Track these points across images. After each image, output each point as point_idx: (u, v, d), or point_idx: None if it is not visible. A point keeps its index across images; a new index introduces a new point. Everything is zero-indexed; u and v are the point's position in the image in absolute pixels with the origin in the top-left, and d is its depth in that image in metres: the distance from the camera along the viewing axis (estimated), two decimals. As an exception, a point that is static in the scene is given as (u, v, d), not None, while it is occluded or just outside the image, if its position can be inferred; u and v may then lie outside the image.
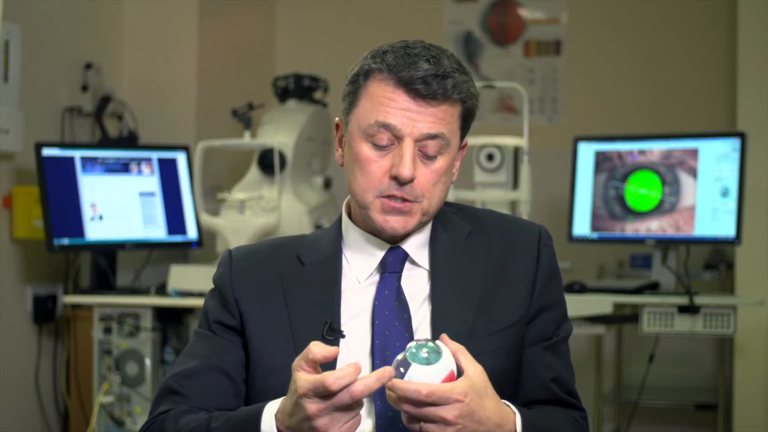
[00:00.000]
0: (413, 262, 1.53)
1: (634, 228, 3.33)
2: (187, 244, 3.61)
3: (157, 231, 3.51)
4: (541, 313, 1.52)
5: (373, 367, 1.44)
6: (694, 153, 3.27)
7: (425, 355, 1.29)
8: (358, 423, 1.29)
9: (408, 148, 1.42)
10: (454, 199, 3.26)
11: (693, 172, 3.26)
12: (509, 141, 3.36)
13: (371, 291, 1.51)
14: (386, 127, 1.43)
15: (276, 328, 1.49)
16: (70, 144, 3.59)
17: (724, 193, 3.20)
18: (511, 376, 1.49)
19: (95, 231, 3.36)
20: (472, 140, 3.33)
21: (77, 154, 3.36)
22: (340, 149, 1.53)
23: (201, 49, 4.13)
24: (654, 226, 3.30)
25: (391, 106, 1.43)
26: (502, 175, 3.34)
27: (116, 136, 3.85)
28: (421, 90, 1.42)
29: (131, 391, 3.25)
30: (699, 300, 3.07)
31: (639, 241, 3.34)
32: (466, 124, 1.50)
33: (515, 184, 3.36)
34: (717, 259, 4.03)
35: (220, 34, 4.30)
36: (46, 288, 3.55)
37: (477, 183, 3.36)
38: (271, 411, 1.34)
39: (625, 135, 3.51)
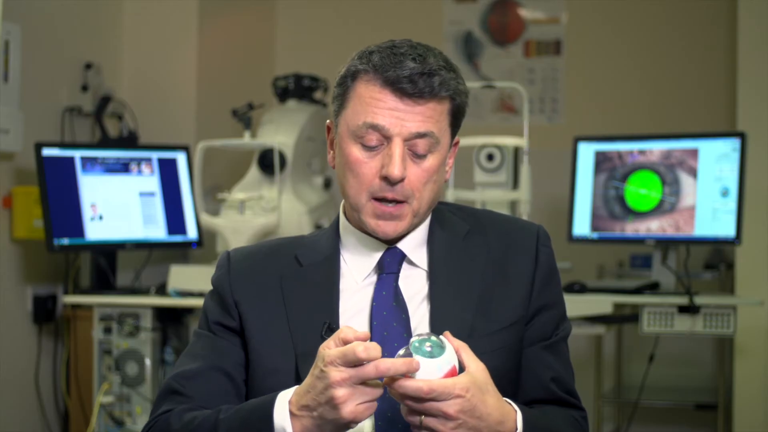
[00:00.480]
0: (411, 263, 1.53)
1: (634, 228, 3.33)
2: (187, 244, 3.62)
3: (157, 231, 3.51)
4: (540, 313, 1.52)
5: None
6: (694, 153, 3.27)
7: (428, 348, 1.29)
8: (374, 409, 1.29)
9: (397, 147, 1.43)
10: (454, 199, 3.26)
11: (693, 172, 3.26)
12: (509, 141, 3.36)
13: (369, 291, 1.51)
14: (374, 127, 1.43)
15: (275, 329, 1.49)
16: (70, 144, 3.59)
17: (724, 193, 3.20)
18: (511, 375, 1.49)
19: (95, 231, 3.36)
20: (472, 140, 3.33)
21: (77, 154, 3.37)
22: (332, 151, 1.54)
23: (201, 49, 4.13)
24: (654, 226, 3.30)
25: (379, 106, 1.43)
26: (502, 175, 3.34)
27: (116, 136, 3.85)
28: (408, 89, 1.42)
29: (131, 391, 3.25)
30: (699, 300, 3.07)
31: (639, 241, 3.34)
32: (455, 121, 1.50)
33: (515, 184, 3.36)
34: (717, 259, 4.03)
35: (220, 34, 4.31)
36: (46, 288, 3.55)
37: (477, 183, 3.36)
38: (284, 397, 1.34)
39: (625, 135, 3.51)
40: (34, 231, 3.37)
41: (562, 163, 3.66)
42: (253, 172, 3.56)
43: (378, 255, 1.52)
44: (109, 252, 3.51)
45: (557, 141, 4.17)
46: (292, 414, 1.32)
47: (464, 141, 3.23)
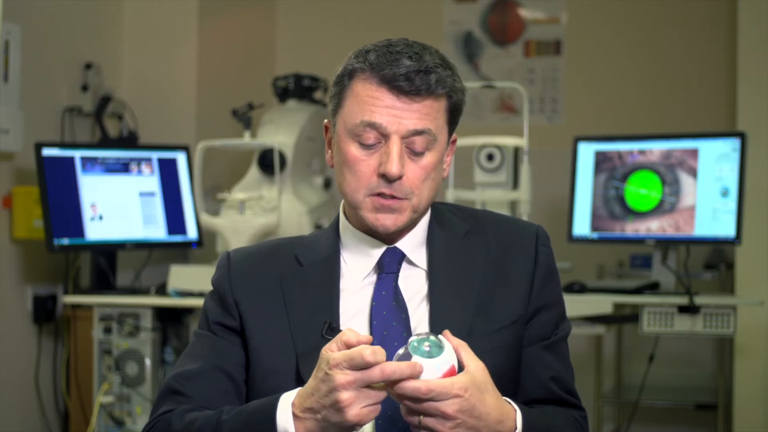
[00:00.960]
0: (410, 262, 1.53)
1: (634, 228, 3.33)
2: (187, 244, 3.62)
3: (157, 231, 3.51)
4: (540, 313, 1.52)
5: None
6: (694, 153, 3.27)
7: (427, 348, 1.30)
8: (378, 411, 1.30)
9: (395, 145, 1.43)
10: (454, 199, 3.26)
11: (693, 172, 3.26)
12: (509, 141, 3.36)
13: (369, 291, 1.51)
14: (372, 126, 1.44)
15: (275, 329, 1.49)
16: (70, 144, 3.59)
17: (724, 193, 3.20)
18: (510, 375, 1.49)
19: (95, 231, 3.36)
20: (472, 140, 3.33)
21: (77, 154, 3.37)
22: (329, 151, 1.54)
23: (201, 49, 4.13)
24: (654, 226, 3.30)
25: (376, 104, 1.43)
26: (502, 175, 3.34)
27: (116, 136, 3.85)
28: (405, 86, 1.42)
29: (131, 391, 3.25)
30: (699, 300, 3.07)
31: (639, 241, 3.34)
32: (453, 118, 1.50)
33: (515, 184, 3.36)
34: (717, 259, 4.03)
35: (220, 34, 4.31)
36: (46, 288, 3.55)
37: (477, 183, 3.36)
38: (287, 399, 1.34)
39: (625, 135, 3.51)
40: (34, 231, 3.37)
41: (562, 163, 3.66)
42: (253, 172, 3.56)
43: (378, 255, 1.52)
44: (109, 252, 3.51)
45: (557, 141, 4.17)
46: (295, 416, 1.32)
47: (464, 141, 3.24)
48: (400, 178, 1.44)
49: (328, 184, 3.80)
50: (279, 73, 4.16)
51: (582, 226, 3.41)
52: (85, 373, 3.40)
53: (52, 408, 3.58)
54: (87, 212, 3.35)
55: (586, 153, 3.43)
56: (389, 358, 1.33)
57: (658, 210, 3.30)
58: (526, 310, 1.51)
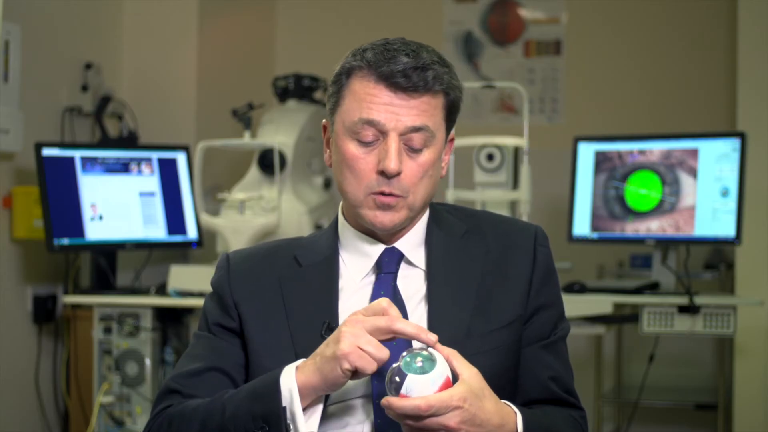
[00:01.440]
0: (409, 262, 1.53)
1: (634, 228, 3.33)
2: (187, 244, 3.62)
3: (157, 231, 3.51)
4: (539, 313, 1.52)
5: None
6: (694, 153, 3.27)
7: (419, 364, 1.30)
8: (372, 368, 1.32)
9: (393, 142, 1.43)
10: (454, 199, 3.26)
11: (693, 172, 3.26)
12: (509, 141, 3.36)
13: (368, 291, 1.51)
14: (370, 123, 1.44)
15: (275, 330, 1.49)
16: (70, 144, 3.60)
17: (724, 193, 3.20)
18: (510, 374, 1.49)
19: (95, 231, 3.36)
20: (472, 140, 3.33)
21: (77, 154, 3.37)
22: (328, 150, 1.55)
23: (201, 49, 4.13)
24: (654, 226, 3.30)
25: (374, 101, 1.44)
26: (502, 175, 3.34)
27: (116, 136, 3.85)
28: (402, 83, 1.43)
29: (131, 391, 3.25)
30: (699, 300, 3.07)
31: (639, 241, 3.34)
32: (450, 116, 1.51)
33: (515, 184, 3.36)
34: (717, 259, 4.03)
35: (220, 34, 4.31)
36: (46, 288, 3.55)
37: (477, 183, 3.36)
38: (294, 364, 1.38)
39: (625, 135, 3.51)
40: (34, 231, 3.37)
41: (562, 163, 3.66)
42: (253, 172, 3.56)
43: (376, 255, 1.52)
44: (109, 252, 3.51)
45: (557, 141, 4.17)
46: (297, 369, 1.36)
47: (464, 141, 3.24)
48: (398, 174, 1.44)
49: (328, 184, 3.80)
50: (279, 73, 4.16)
51: (582, 226, 3.41)
52: (85, 373, 3.40)
53: (52, 408, 3.58)
54: (87, 212, 3.35)
55: (586, 153, 3.43)
56: (388, 360, 1.34)
57: (658, 210, 3.30)
58: (524, 310, 1.51)
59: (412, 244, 1.54)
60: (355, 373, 1.33)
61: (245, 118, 3.49)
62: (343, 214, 1.57)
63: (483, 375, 1.36)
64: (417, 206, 1.49)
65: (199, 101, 4.12)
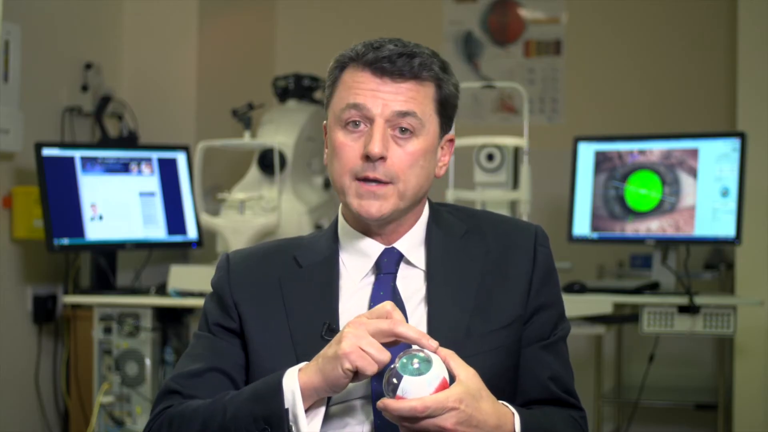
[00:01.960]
0: (408, 263, 1.53)
1: (634, 228, 3.33)
2: (187, 244, 3.62)
3: (157, 231, 3.51)
4: (538, 313, 1.52)
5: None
6: (694, 153, 3.27)
7: (416, 365, 1.30)
8: (373, 369, 1.32)
9: (378, 126, 1.44)
10: (454, 199, 3.26)
11: (693, 172, 3.26)
12: (509, 141, 3.36)
13: (367, 292, 1.51)
14: (356, 107, 1.45)
15: (275, 330, 1.49)
16: (70, 144, 3.60)
17: (724, 193, 3.20)
18: (509, 375, 1.49)
19: (95, 231, 3.36)
20: (472, 140, 3.33)
21: (77, 154, 3.37)
22: (326, 150, 1.55)
23: (201, 49, 4.13)
24: (654, 226, 3.30)
25: (360, 87, 1.46)
26: (502, 175, 3.34)
27: (116, 136, 3.85)
28: (387, 67, 1.45)
29: (131, 391, 3.25)
30: (699, 300, 3.07)
31: (639, 241, 3.34)
32: (444, 110, 1.51)
33: (515, 184, 3.36)
34: (717, 259, 4.03)
35: (220, 34, 4.31)
36: (46, 288, 3.55)
37: (477, 183, 3.36)
38: (297, 366, 1.38)
39: (625, 135, 3.51)
40: (34, 231, 3.37)
41: (562, 163, 3.66)
42: (253, 172, 3.56)
43: (375, 255, 1.52)
44: (109, 252, 3.51)
45: (557, 141, 4.17)
46: (300, 371, 1.37)
47: (464, 141, 3.24)
48: (383, 159, 1.44)
49: (328, 184, 3.80)
50: (279, 73, 4.16)
51: (582, 226, 3.41)
52: (85, 373, 3.40)
53: (52, 408, 3.58)
54: (87, 212, 3.35)
55: (586, 153, 3.43)
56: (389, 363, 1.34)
57: (658, 210, 3.30)
58: (524, 310, 1.51)
59: (412, 244, 1.53)
60: (356, 375, 1.33)
61: (245, 118, 3.49)
62: (342, 214, 1.57)
63: (482, 375, 1.36)
64: (408, 195, 1.48)
65: (199, 101, 4.12)
